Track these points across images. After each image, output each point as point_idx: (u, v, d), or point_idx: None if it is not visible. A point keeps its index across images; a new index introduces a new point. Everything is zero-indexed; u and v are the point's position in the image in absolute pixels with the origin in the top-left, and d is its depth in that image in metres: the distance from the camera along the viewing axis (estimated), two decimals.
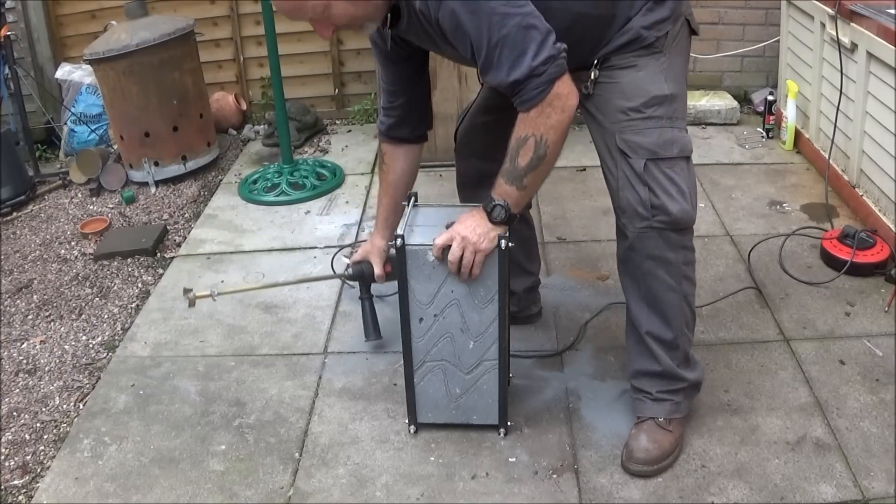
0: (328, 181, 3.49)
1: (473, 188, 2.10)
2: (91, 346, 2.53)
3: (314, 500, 1.87)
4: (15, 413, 2.25)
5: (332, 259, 2.80)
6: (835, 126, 3.00)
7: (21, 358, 2.49)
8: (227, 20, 4.16)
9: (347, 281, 2.39)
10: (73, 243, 3.22)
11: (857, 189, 2.90)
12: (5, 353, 2.52)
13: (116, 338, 2.55)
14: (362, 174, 3.59)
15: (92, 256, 3.07)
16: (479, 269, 1.77)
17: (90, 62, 3.52)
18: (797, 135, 3.47)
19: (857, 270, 2.53)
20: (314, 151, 3.90)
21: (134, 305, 2.72)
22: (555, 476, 1.89)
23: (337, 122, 4.27)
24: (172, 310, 2.65)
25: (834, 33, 2.92)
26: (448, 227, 1.79)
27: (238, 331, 2.51)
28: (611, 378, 2.18)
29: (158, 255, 3.04)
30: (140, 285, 2.84)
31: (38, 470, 2.04)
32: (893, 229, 2.62)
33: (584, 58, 1.77)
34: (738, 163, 3.42)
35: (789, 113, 3.45)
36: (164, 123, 3.55)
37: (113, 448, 2.07)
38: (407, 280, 1.83)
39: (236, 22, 4.15)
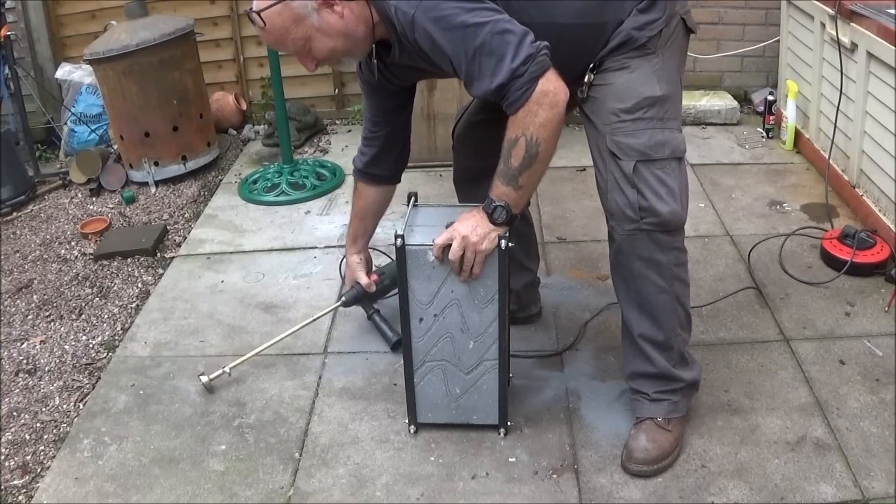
0: (328, 181, 3.49)
1: (471, 184, 2.11)
2: (91, 346, 2.53)
3: (314, 500, 1.87)
4: (15, 413, 2.25)
5: (340, 263, 2.79)
6: (835, 126, 3.00)
7: (21, 358, 2.49)
8: (227, 20, 4.17)
9: (347, 307, 2.43)
10: (73, 243, 3.22)
11: (857, 189, 2.90)
12: (5, 353, 2.52)
13: (116, 338, 2.55)
14: None
15: (92, 256, 3.07)
16: (479, 269, 1.77)
17: (90, 62, 3.52)
18: (797, 135, 3.47)
19: (857, 270, 2.53)
20: (314, 151, 3.90)
21: (134, 305, 2.72)
22: (555, 476, 1.89)
23: (337, 122, 4.27)
24: (172, 310, 2.65)
25: (834, 33, 2.92)
26: (448, 226, 1.79)
27: (238, 331, 2.51)
28: (611, 378, 2.18)
29: (158, 255, 3.04)
30: (140, 285, 2.84)
31: (38, 470, 2.04)
32: (893, 229, 2.62)
33: (582, 66, 1.78)
34: (738, 163, 3.42)
35: (789, 113, 3.45)
36: (164, 123, 3.55)
37: (113, 448, 2.07)
38: (407, 280, 1.83)
39: (236, 22, 4.16)
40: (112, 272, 2.94)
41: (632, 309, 1.85)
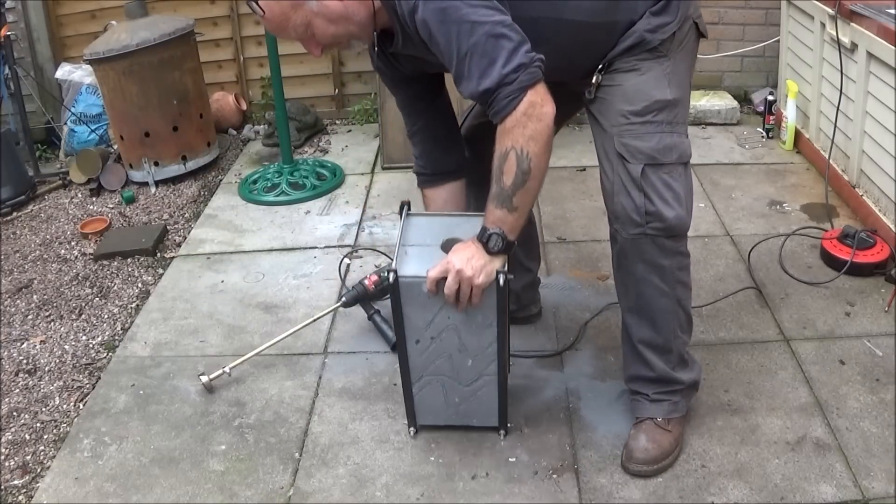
0: (328, 181, 3.49)
1: (476, 186, 2.09)
2: (91, 346, 2.53)
3: (314, 500, 1.87)
4: (15, 413, 2.25)
5: (340, 264, 2.80)
6: (835, 126, 3.00)
7: (21, 358, 2.49)
8: (227, 20, 4.16)
9: (347, 307, 2.43)
10: (73, 243, 3.22)
11: (857, 189, 2.90)
12: (5, 353, 2.52)
13: (116, 338, 2.55)
14: (362, 174, 3.59)
15: (92, 256, 3.07)
16: (478, 300, 1.72)
17: (90, 62, 3.52)
18: (797, 135, 3.47)
19: (857, 270, 2.53)
20: (314, 151, 3.90)
21: (134, 305, 2.72)
22: (555, 476, 1.89)
23: (337, 122, 4.27)
24: (172, 310, 2.65)
25: (834, 33, 2.92)
26: (444, 245, 1.75)
27: (238, 331, 2.51)
28: (611, 378, 2.18)
29: (158, 255, 3.04)
30: (140, 285, 2.84)
31: (38, 470, 2.04)
32: (893, 229, 2.62)
33: (590, 66, 1.76)
34: (738, 163, 3.42)
35: (789, 113, 3.45)
36: (164, 123, 3.55)
37: (113, 448, 2.07)
38: (401, 308, 1.78)
39: (236, 22, 4.15)
40: (112, 272, 2.94)
41: (632, 313, 1.85)
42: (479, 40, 1.55)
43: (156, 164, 3.60)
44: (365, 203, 3.31)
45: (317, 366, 2.33)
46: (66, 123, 4.04)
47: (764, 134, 3.65)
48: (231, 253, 3.00)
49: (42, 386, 2.36)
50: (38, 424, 2.20)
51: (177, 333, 2.52)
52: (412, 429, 2.02)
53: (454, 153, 2.02)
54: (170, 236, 3.19)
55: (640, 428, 1.90)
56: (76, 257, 3.10)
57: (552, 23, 1.67)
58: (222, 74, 4.27)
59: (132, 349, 2.47)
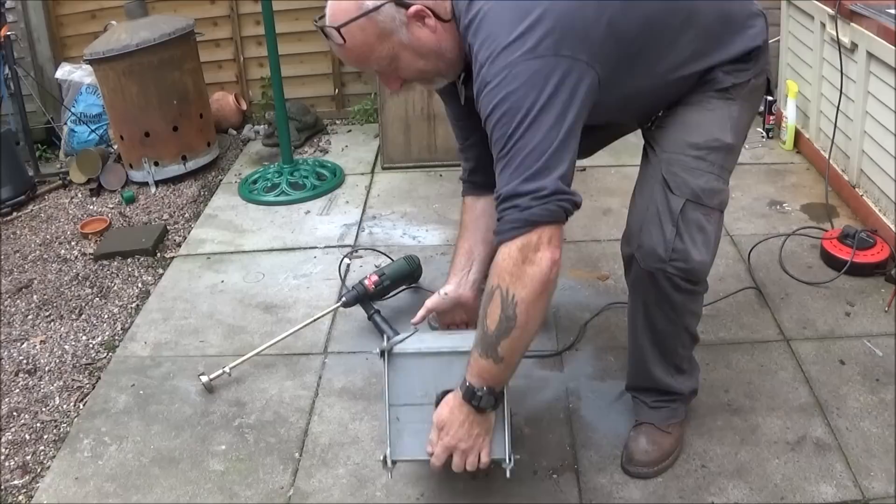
0: (328, 181, 3.49)
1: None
2: (91, 346, 2.53)
3: (314, 500, 1.87)
4: (15, 413, 2.25)
5: (340, 264, 2.80)
6: (835, 126, 3.00)
7: (21, 358, 2.49)
8: (227, 20, 4.16)
9: (347, 307, 2.43)
10: (73, 243, 3.22)
11: (857, 189, 2.90)
12: (5, 353, 2.52)
13: (116, 338, 2.55)
14: (362, 174, 3.59)
15: (92, 256, 3.07)
16: (487, 457, 1.64)
17: (90, 62, 3.52)
18: (797, 135, 3.47)
19: (857, 270, 2.53)
20: (314, 151, 3.90)
21: (134, 305, 2.72)
22: (555, 476, 1.89)
23: (337, 122, 4.27)
24: (172, 310, 2.65)
25: (834, 33, 2.92)
26: (438, 398, 1.66)
27: (238, 331, 2.51)
28: (611, 378, 2.18)
29: (158, 255, 3.04)
30: (140, 285, 2.84)
31: (38, 470, 2.04)
32: (893, 229, 2.62)
33: (663, 107, 1.73)
34: (738, 163, 3.40)
35: (789, 113, 3.45)
36: (164, 123, 3.55)
37: (113, 448, 2.07)
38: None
39: (236, 22, 4.15)
40: (112, 272, 2.94)
41: (635, 326, 1.82)
42: (529, 138, 1.41)
43: (156, 164, 3.60)
44: (365, 203, 3.31)
45: (317, 366, 2.33)
46: (66, 123, 4.05)
47: (764, 134, 3.65)
48: (231, 253, 3.00)
49: (42, 386, 2.36)
50: (38, 424, 2.20)
51: (177, 333, 2.52)
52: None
53: None
54: (170, 236, 3.19)
55: (640, 430, 1.90)
56: (76, 257, 3.10)
57: (648, 89, 1.62)
58: (222, 74, 4.27)
59: (132, 349, 2.47)
